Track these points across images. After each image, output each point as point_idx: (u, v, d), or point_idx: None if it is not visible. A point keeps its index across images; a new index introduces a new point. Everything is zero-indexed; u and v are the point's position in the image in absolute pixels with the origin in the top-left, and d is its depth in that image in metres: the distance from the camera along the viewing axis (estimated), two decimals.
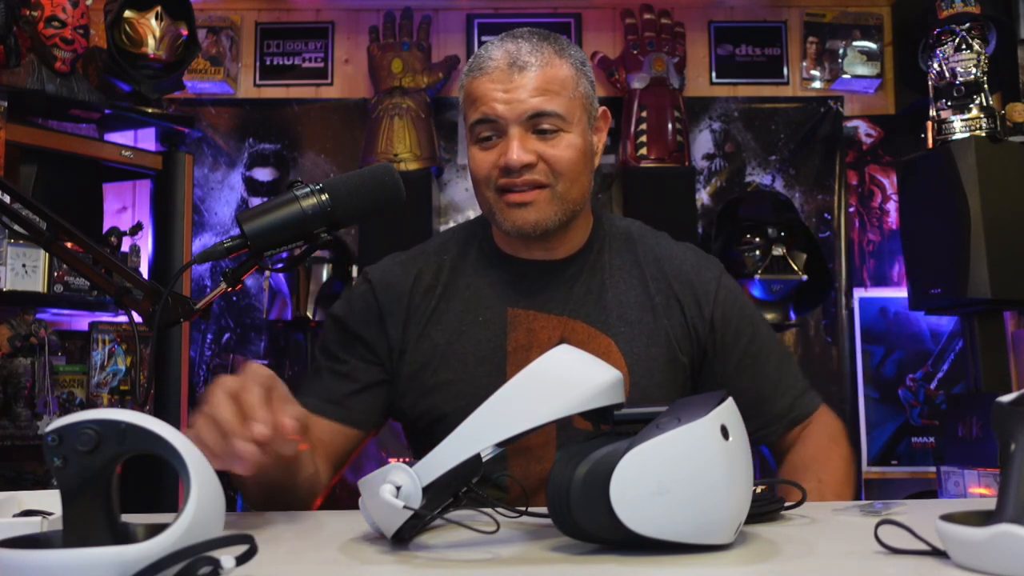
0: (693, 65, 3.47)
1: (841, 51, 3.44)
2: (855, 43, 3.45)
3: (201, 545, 0.58)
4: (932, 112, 2.75)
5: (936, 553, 0.67)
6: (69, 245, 1.11)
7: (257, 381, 0.89)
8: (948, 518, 0.65)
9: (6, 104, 2.31)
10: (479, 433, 0.74)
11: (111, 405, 2.54)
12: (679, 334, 1.28)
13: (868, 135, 3.45)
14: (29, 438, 2.38)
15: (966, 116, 2.66)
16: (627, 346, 1.25)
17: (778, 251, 2.96)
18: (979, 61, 2.67)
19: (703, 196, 3.41)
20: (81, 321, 2.71)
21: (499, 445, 0.78)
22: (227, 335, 3.34)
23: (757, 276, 2.94)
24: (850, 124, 3.45)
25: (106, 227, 2.71)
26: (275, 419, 0.87)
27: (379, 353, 1.29)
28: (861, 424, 3.23)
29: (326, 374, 1.29)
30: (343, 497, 3.15)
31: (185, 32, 2.73)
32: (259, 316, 3.30)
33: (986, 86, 2.68)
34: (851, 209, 3.42)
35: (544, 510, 0.78)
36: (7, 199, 1.14)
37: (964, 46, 2.68)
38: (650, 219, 1.44)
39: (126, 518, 0.69)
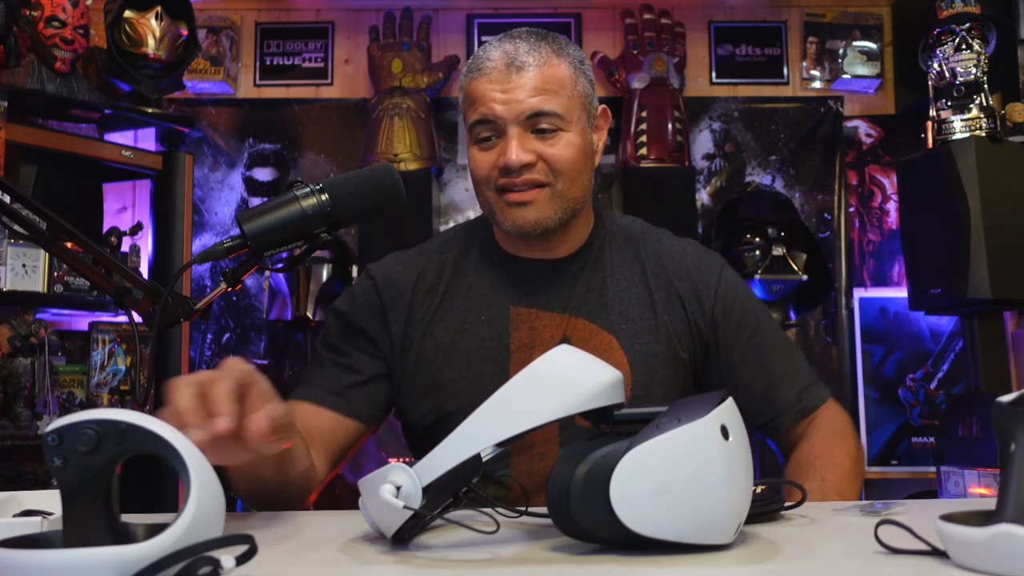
0: (693, 65, 3.47)
1: (841, 51, 3.44)
2: (855, 43, 3.45)
3: (201, 545, 0.58)
4: (932, 112, 2.75)
5: (936, 553, 0.67)
6: (69, 245, 1.11)
7: (231, 376, 0.84)
8: (948, 518, 0.65)
9: (6, 104, 2.31)
10: (479, 433, 0.74)
11: (111, 405, 2.54)
12: (680, 330, 1.28)
13: (868, 135, 3.45)
14: (29, 438, 2.38)
15: (966, 116, 2.66)
16: (629, 343, 1.26)
17: (778, 251, 2.96)
18: (979, 61, 2.67)
19: (703, 196, 3.41)
20: (81, 321, 2.71)
21: (499, 445, 0.78)
22: (227, 335, 3.34)
23: (757, 276, 2.94)
24: (850, 124, 3.45)
25: (106, 227, 2.71)
26: (245, 416, 0.82)
27: (382, 348, 1.29)
28: (861, 424, 3.22)
29: (328, 365, 1.29)
30: (343, 497, 3.15)
31: (185, 32, 2.73)
32: (259, 316, 3.30)
33: (986, 86, 2.68)
34: (851, 209, 3.42)
35: (544, 510, 0.78)
36: (7, 199, 1.14)
37: (964, 46, 2.68)
38: (650, 219, 1.44)
39: (126, 518, 0.69)
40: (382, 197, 1.11)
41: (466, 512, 0.90)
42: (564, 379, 0.77)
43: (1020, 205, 2.58)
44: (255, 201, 3.37)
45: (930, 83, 2.78)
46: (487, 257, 1.33)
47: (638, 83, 3.28)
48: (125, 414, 0.61)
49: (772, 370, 1.30)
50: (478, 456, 0.82)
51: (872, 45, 3.45)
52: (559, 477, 0.73)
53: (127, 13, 2.63)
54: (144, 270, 2.74)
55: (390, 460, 3.19)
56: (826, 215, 3.41)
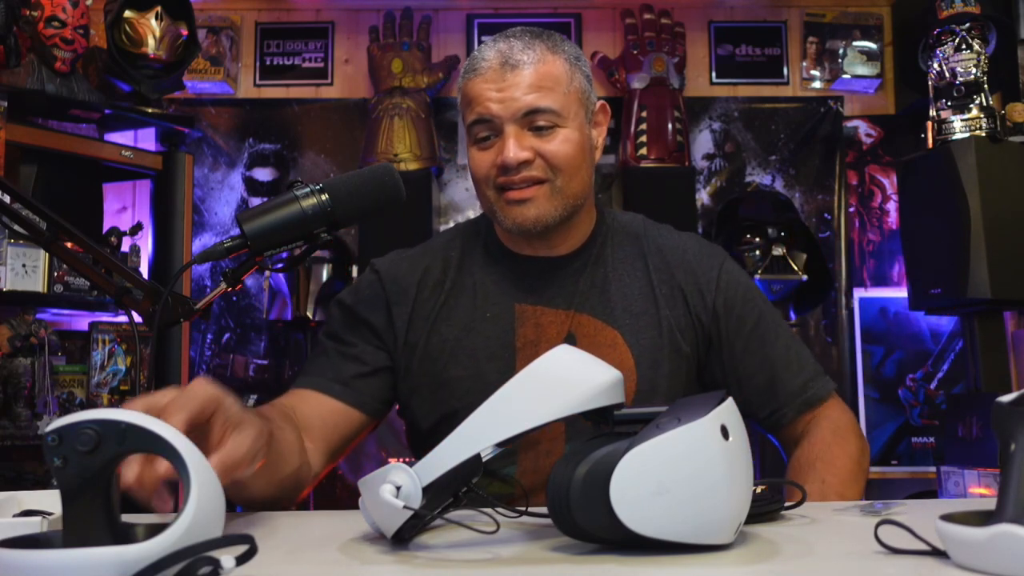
0: (693, 65, 3.47)
1: (841, 51, 3.44)
2: (855, 43, 3.45)
3: (201, 545, 0.58)
4: (932, 112, 2.75)
5: (936, 553, 0.67)
6: (69, 245, 1.11)
7: (189, 406, 0.77)
8: (948, 518, 0.65)
9: (6, 104, 2.31)
10: (479, 433, 0.74)
11: (111, 405, 2.54)
12: (682, 324, 1.28)
13: (868, 135, 3.45)
14: (29, 438, 2.38)
15: (966, 116, 2.66)
16: (633, 338, 1.26)
17: (778, 251, 2.96)
18: (979, 61, 2.67)
19: (703, 196, 3.41)
20: (81, 321, 2.71)
21: (499, 445, 0.78)
22: (227, 335, 3.34)
23: (757, 276, 2.94)
24: (850, 124, 3.45)
25: (106, 227, 2.71)
26: (208, 450, 0.77)
27: (385, 340, 1.29)
28: (861, 424, 3.22)
29: (333, 355, 1.28)
30: (343, 497, 3.15)
31: (185, 32, 2.73)
32: (259, 316, 3.30)
33: (986, 86, 2.68)
34: (851, 209, 3.42)
35: (544, 510, 0.78)
36: (7, 199, 1.14)
37: (964, 46, 2.68)
38: (650, 219, 1.44)
39: (126, 518, 0.69)
40: (382, 197, 1.11)
41: (466, 512, 0.90)
42: (564, 379, 0.77)
43: (1020, 205, 2.58)
44: (255, 201, 3.37)
45: (930, 83, 2.78)
46: (490, 255, 1.33)
47: (638, 83, 3.28)
48: (125, 414, 0.61)
49: (775, 361, 1.29)
50: (478, 456, 0.82)
51: (872, 45, 3.45)
52: (559, 477, 0.73)
53: (127, 13, 2.63)
54: (144, 270, 2.74)
55: (390, 460, 3.19)
56: (826, 215, 3.41)
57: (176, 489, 0.72)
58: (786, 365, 1.30)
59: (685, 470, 0.70)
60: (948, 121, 2.69)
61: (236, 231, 1.05)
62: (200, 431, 0.80)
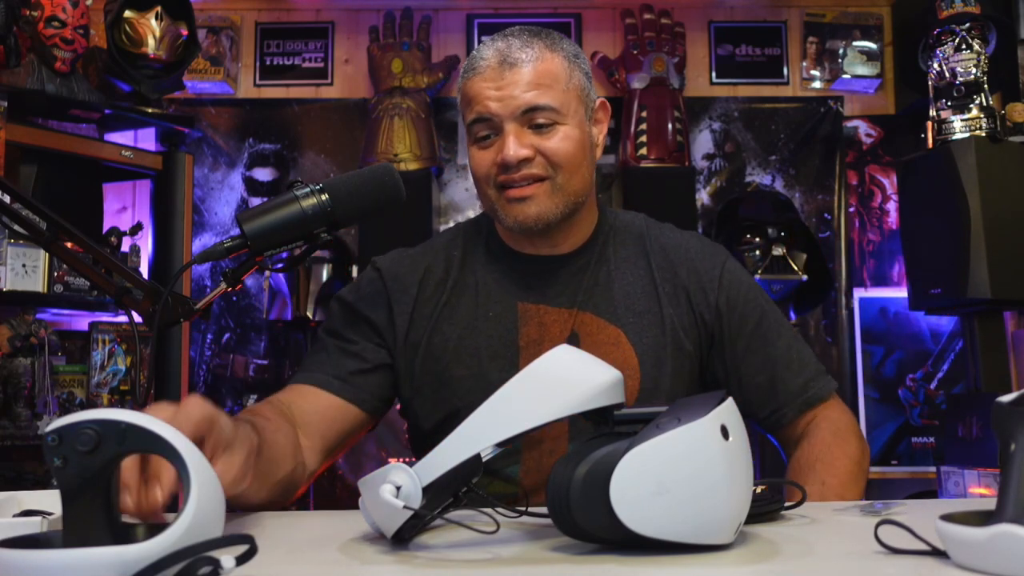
0: (693, 65, 3.47)
1: (841, 51, 3.44)
2: (855, 43, 3.45)
3: (201, 545, 0.58)
4: (932, 112, 2.75)
5: (936, 553, 0.67)
6: (69, 245, 1.11)
7: (184, 429, 0.75)
8: (948, 518, 0.65)
9: (6, 104, 2.31)
10: (479, 433, 0.74)
11: (111, 405, 2.54)
12: (685, 323, 1.28)
13: (868, 135, 3.46)
14: (29, 438, 2.37)
15: (966, 116, 2.66)
16: (636, 336, 1.26)
17: (778, 251, 2.96)
18: (979, 61, 2.67)
19: (703, 196, 3.41)
20: (81, 321, 2.71)
21: (499, 445, 0.78)
22: (227, 335, 3.34)
23: (757, 276, 2.94)
24: (850, 124, 3.45)
25: (106, 227, 2.71)
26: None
27: (386, 338, 1.29)
28: (861, 424, 3.22)
29: (333, 351, 1.28)
30: (343, 497, 3.15)
31: (185, 32, 2.73)
32: (259, 316, 3.30)
33: (986, 86, 2.68)
34: (851, 209, 3.42)
35: (544, 510, 0.78)
36: (7, 199, 1.14)
37: (964, 46, 2.68)
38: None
39: (126, 518, 0.69)
40: (382, 197, 1.11)
41: (466, 512, 0.90)
42: (564, 379, 0.77)
43: (1020, 205, 2.58)
44: (255, 201, 3.37)
45: (930, 83, 2.78)
46: (492, 254, 1.33)
47: (638, 83, 3.28)
48: (125, 414, 0.61)
49: (777, 360, 1.29)
50: (478, 456, 0.82)
51: (872, 45, 3.45)
52: (559, 477, 0.73)
53: (127, 13, 2.63)
54: (144, 270, 2.74)
55: (390, 460, 3.19)
56: (826, 215, 3.41)
57: (175, 505, 0.73)
58: (787, 364, 1.29)
59: (685, 470, 0.70)
60: (948, 121, 2.69)
61: (236, 231, 1.05)
62: None
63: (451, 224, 3.25)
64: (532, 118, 1.21)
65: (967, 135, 2.64)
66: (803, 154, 3.43)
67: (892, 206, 3.40)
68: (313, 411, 1.22)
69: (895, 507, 0.95)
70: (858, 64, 3.43)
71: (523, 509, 0.88)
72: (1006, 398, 0.66)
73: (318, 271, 3.11)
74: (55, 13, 2.41)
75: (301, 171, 3.40)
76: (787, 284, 2.97)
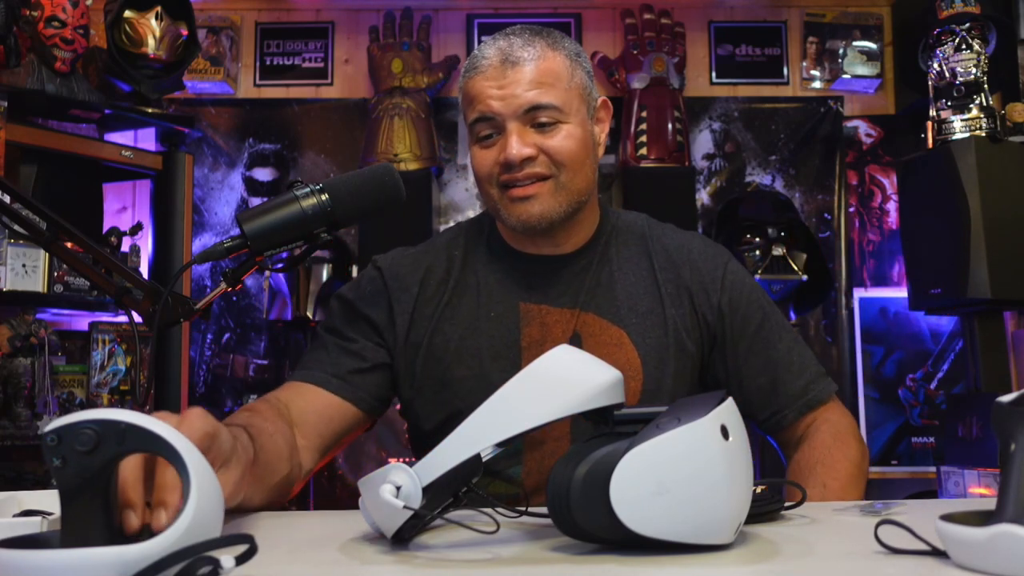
0: (693, 65, 3.47)
1: (841, 51, 3.44)
2: (855, 43, 3.45)
3: (201, 545, 0.58)
4: (932, 112, 2.75)
5: (936, 553, 0.67)
6: (69, 245, 1.11)
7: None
8: (948, 518, 0.65)
9: (6, 104, 2.31)
10: (479, 433, 0.74)
11: (111, 405, 2.54)
12: (688, 324, 1.28)
13: (868, 135, 3.46)
14: (29, 438, 2.37)
15: (966, 116, 2.66)
16: (639, 337, 1.25)
17: (778, 251, 2.96)
18: (979, 61, 2.67)
19: (703, 196, 3.41)
20: (81, 321, 2.71)
21: (499, 445, 0.78)
22: (227, 335, 3.34)
23: (757, 276, 2.94)
24: (850, 124, 3.45)
25: (106, 227, 2.71)
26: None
27: (386, 337, 1.28)
28: (861, 424, 3.23)
29: (333, 349, 1.27)
30: (343, 497, 3.15)
31: (185, 32, 2.73)
32: (259, 316, 3.30)
33: (986, 86, 2.68)
34: (851, 209, 3.42)
35: (544, 510, 0.78)
36: (7, 199, 1.14)
37: (964, 46, 2.68)
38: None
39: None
40: (382, 197, 1.11)
41: (466, 512, 0.90)
42: (564, 379, 0.77)
43: (1020, 205, 2.58)
44: (255, 201, 3.37)
45: (930, 83, 2.78)
46: (494, 254, 1.33)
47: (638, 83, 3.28)
48: (125, 414, 0.61)
49: (778, 362, 1.29)
50: (478, 456, 0.82)
51: (872, 45, 3.45)
52: (559, 477, 0.73)
53: (127, 13, 2.63)
54: (144, 270, 2.74)
55: (390, 460, 3.19)
56: (826, 215, 3.41)
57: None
58: (788, 367, 1.29)
59: (685, 470, 0.70)
60: (948, 121, 2.69)
61: (236, 231, 1.05)
62: None
63: (451, 224, 3.26)
64: (535, 117, 1.21)
65: (967, 135, 2.64)
66: (803, 154, 3.43)
67: (892, 206, 3.40)
68: (311, 410, 1.21)
69: (895, 507, 0.95)
70: (858, 64, 3.43)
71: (523, 509, 0.88)
72: (1006, 398, 0.66)
73: (318, 271, 3.11)
74: (55, 13, 2.41)
75: (301, 171, 3.40)
76: (787, 284, 2.97)
